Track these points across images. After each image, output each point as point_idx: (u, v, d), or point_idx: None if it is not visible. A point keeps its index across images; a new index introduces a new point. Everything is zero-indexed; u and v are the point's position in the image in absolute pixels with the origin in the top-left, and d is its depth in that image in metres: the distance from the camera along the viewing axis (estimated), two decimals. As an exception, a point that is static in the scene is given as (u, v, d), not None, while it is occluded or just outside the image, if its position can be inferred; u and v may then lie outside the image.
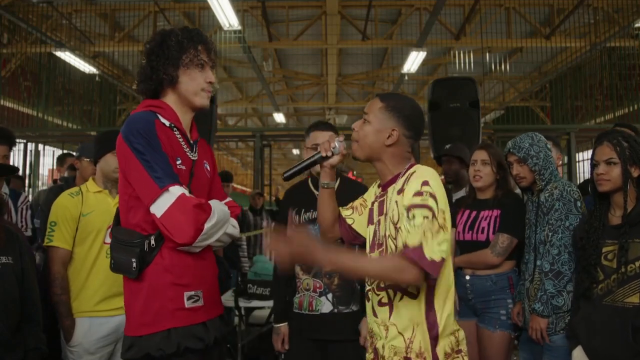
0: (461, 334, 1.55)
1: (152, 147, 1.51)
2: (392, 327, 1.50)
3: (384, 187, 1.60)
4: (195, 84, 1.64)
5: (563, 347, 2.17)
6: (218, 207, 1.59)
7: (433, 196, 1.41)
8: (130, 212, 1.58)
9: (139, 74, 1.67)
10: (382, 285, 1.53)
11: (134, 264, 1.52)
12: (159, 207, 1.49)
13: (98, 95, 10.41)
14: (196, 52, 1.64)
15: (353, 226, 1.71)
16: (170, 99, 1.66)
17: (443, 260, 1.39)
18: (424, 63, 9.06)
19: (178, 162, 1.59)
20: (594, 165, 2.01)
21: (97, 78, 9.56)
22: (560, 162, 3.26)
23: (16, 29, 8.50)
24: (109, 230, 2.35)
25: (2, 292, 1.88)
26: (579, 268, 2.07)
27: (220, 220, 1.58)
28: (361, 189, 2.48)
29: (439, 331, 1.47)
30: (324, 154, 1.63)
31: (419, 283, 1.42)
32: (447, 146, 3.51)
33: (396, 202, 1.49)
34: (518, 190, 2.61)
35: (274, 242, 1.43)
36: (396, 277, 1.41)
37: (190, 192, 1.57)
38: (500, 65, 10.05)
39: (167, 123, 1.62)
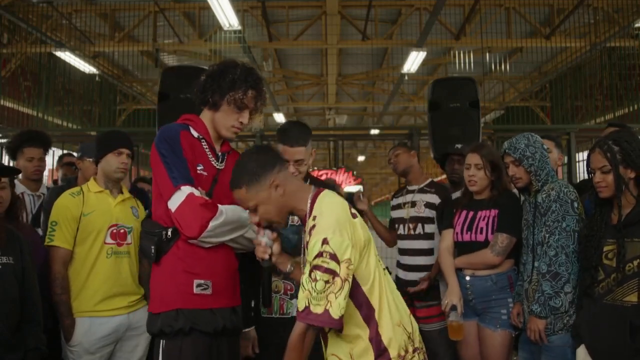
0: (415, 326, 1.64)
1: (173, 151, 1.78)
2: (332, 357, 1.62)
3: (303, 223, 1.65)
4: (228, 120, 1.87)
5: (561, 347, 2.18)
6: (231, 211, 1.79)
7: (334, 257, 1.47)
8: (157, 207, 1.84)
9: (196, 84, 1.89)
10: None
11: (153, 250, 1.78)
12: (174, 203, 1.73)
13: (98, 95, 10.42)
14: (243, 95, 1.84)
15: None
16: (206, 117, 1.91)
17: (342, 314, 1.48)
18: (424, 63, 9.06)
19: (199, 168, 1.83)
20: (589, 172, 2.03)
21: (97, 78, 9.56)
22: (561, 162, 3.26)
23: (16, 29, 8.50)
24: (110, 230, 2.36)
25: (2, 291, 1.88)
26: (581, 267, 2.09)
27: (232, 222, 1.78)
28: (333, 189, 2.47)
29: (384, 345, 1.55)
30: (266, 257, 1.68)
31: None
32: (458, 146, 3.51)
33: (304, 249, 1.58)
34: (515, 190, 2.60)
35: None
36: (298, 344, 1.50)
37: (209, 196, 1.80)
38: (500, 65, 10.05)
39: (196, 134, 1.88)
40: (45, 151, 3.06)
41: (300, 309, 1.50)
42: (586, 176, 2.29)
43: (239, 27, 7.31)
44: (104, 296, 2.30)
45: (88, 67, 8.61)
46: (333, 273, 1.47)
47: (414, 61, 8.48)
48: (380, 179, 26.05)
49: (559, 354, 2.19)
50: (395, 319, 1.58)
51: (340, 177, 6.12)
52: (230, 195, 1.87)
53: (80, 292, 2.30)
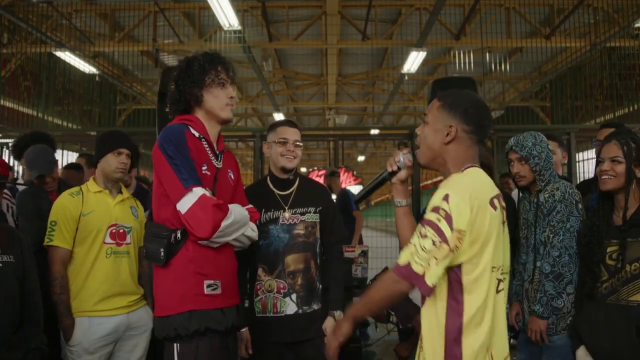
0: None
1: (181, 153, 1.76)
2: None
3: None
4: (219, 100, 1.87)
5: (563, 347, 2.17)
6: (237, 210, 1.82)
7: (448, 218, 1.36)
8: (161, 209, 1.82)
9: (169, 98, 1.90)
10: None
11: (162, 253, 1.76)
12: (184, 205, 1.72)
13: (98, 95, 10.42)
14: (217, 73, 1.85)
15: None
16: (199, 115, 1.89)
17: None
18: (424, 63, 9.08)
19: (204, 168, 1.82)
20: (598, 162, 2.02)
21: (97, 78, 9.56)
22: (564, 160, 3.25)
23: (16, 29, 8.50)
24: (109, 230, 2.35)
25: (2, 290, 1.88)
26: (582, 267, 2.08)
27: (238, 221, 1.80)
28: (320, 188, 2.45)
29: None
30: (390, 170, 1.63)
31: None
32: None
33: None
34: (516, 191, 2.59)
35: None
36: (394, 293, 1.44)
37: (212, 195, 1.80)
38: (500, 65, 10.05)
39: (196, 134, 1.86)
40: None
41: (400, 263, 1.41)
42: (586, 176, 2.29)
43: (239, 27, 7.31)
44: (103, 296, 2.30)
45: (88, 67, 8.62)
46: (443, 237, 1.36)
47: (414, 61, 8.49)
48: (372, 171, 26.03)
49: (561, 354, 2.18)
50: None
51: (340, 177, 6.12)
52: (229, 194, 1.92)
53: (80, 292, 2.30)
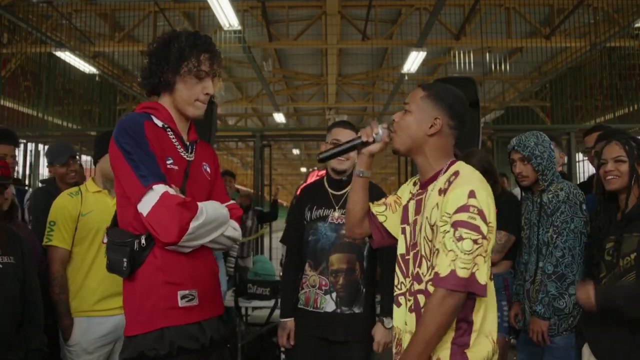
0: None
1: (139, 146, 1.52)
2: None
3: (424, 185, 1.53)
4: (190, 93, 1.62)
5: (565, 349, 2.17)
6: (211, 208, 1.58)
7: (481, 214, 1.33)
8: (123, 212, 1.60)
9: (142, 71, 1.67)
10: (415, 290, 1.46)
11: (125, 264, 1.52)
12: (145, 206, 1.49)
13: (98, 95, 10.41)
14: (197, 62, 1.60)
15: (385, 224, 1.64)
16: (166, 102, 1.66)
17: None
18: (424, 63, 9.06)
19: (169, 162, 1.59)
20: (601, 164, 2.02)
21: (97, 78, 9.55)
22: (562, 161, 3.25)
23: (16, 29, 8.49)
24: (109, 230, 2.35)
25: (3, 291, 1.88)
26: (584, 264, 2.12)
27: (212, 220, 1.56)
28: (376, 192, 2.43)
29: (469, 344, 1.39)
30: (364, 139, 1.58)
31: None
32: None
33: (437, 204, 1.41)
34: (517, 189, 2.59)
35: None
36: (447, 306, 1.33)
37: (183, 192, 1.57)
38: (500, 65, 10.04)
39: (160, 124, 1.62)
40: (16, 148, 2.98)
41: (442, 274, 1.32)
42: (586, 177, 2.29)
43: (239, 27, 7.30)
44: (102, 296, 2.30)
45: (88, 67, 8.61)
46: (481, 232, 1.31)
47: (414, 61, 8.49)
48: (380, 179, 26.02)
49: (563, 355, 2.18)
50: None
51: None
52: (204, 190, 1.68)
53: (79, 292, 2.30)
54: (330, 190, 2.37)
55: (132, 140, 1.53)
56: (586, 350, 2.02)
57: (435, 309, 1.33)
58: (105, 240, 2.27)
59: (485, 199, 1.36)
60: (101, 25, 8.67)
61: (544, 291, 2.20)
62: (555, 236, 2.22)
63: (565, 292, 2.18)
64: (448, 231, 1.35)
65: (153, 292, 1.53)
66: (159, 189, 1.49)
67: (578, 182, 5.12)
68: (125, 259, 1.52)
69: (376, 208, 1.67)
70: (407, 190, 1.64)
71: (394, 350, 1.59)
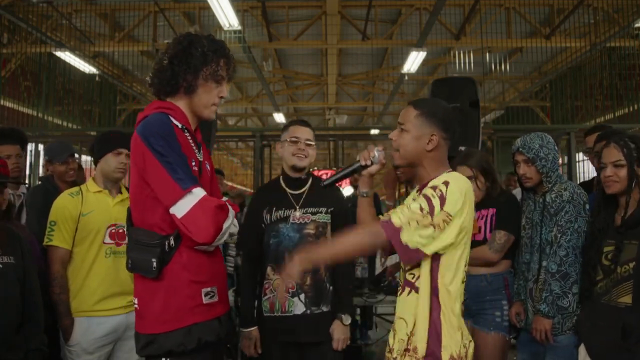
0: (471, 347, 1.56)
1: (172, 149, 1.55)
2: (400, 320, 1.59)
3: (420, 190, 1.65)
4: (208, 97, 1.68)
5: (568, 347, 2.17)
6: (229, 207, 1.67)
7: (442, 197, 1.47)
8: (148, 213, 1.61)
9: (157, 72, 1.67)
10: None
11: (154, 264, 1.56)
12: (181, 208, 1.52)
13: (98, 95, 10.41)
14: (217, 67, 1.66)
15: None
16: (181, 103, 1.68)
17: (419, 251, 1.47)
18: (424, 63, 9.06)
19: (192, 164, 1.63)
20: (601, 168, 2.02)
21: (97, 78, 9.55)
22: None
23: (16, 29, 8.49)
24: (109, 230, 2.35)
25: (3, 291, 1.89)
26: (582, 266, 2.12)
27: (232, 219, 1.64)
28: (334, 189, 2.42)
29: (441, 333, 1.51)
30: (363, 163, 1.70)
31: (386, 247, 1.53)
32: (462, 148, 3.49)
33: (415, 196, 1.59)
34: (517, 190, 2.59)
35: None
36: (369, 240, 1.53)
37: None
38: (500, 65, 10.04)
39: (179, 125, 1.65)
40: (23, 148, 2.97)
41: (384, 219, 1.53)
42: (586, 177, 2.29)
43: (239, 27, 7.30)
44: (102, 296, 2.30)
45: (88, 67, 8.61)
46: (431, 209, 1.46)
47: (414, 61, 8.48)
48: (380, 179, 26.04)
49: (566, 353, 2.18)
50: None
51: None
52: (207, 187, 1.71)
53: (79, 292, 2.30)
54: (288, 190, 2.31)
55: (165, 142, 1.54)
56: (582, 350, 2.03)
57: (362, 234, 1.55)
58: (107, 240, 2.32)
59: (455, 194, 1.48)
60: (101, 25, 8.67)
61: (548, 290, 2.20)
62: (559, 235, 2.22)
63: (569, 291, 2.18)
64: (414, 199, 1.53)
65: (179, 291, 1.58)
66: (198, 192, 1.54)
67: (579, 182, 5.13)
68: (154, 259, 1.55)
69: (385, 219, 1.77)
70: (411, 197, 1.73)
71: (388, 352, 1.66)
